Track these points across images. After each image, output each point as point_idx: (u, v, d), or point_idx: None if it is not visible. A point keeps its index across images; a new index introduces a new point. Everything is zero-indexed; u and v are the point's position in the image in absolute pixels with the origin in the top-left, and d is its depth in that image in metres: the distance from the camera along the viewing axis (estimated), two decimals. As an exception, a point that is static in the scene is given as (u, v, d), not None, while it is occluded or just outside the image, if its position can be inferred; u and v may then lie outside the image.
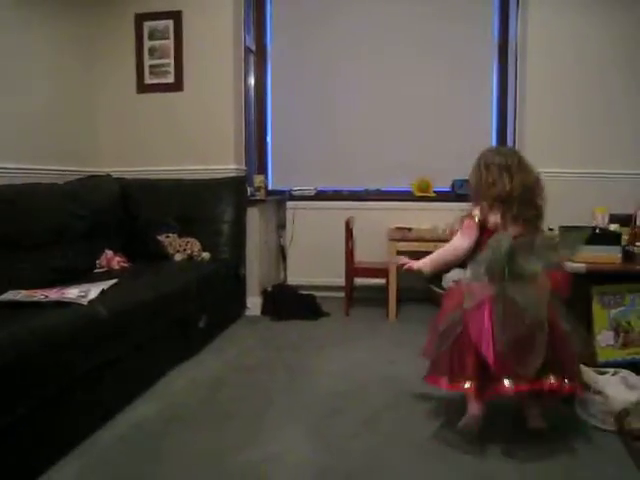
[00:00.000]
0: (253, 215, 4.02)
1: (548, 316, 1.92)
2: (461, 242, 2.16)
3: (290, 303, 4.03)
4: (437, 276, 4.23)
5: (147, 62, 4.10)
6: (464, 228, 2.16)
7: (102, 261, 3.24)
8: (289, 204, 4.55)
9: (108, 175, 3.90)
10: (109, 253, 3.27)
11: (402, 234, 4.05)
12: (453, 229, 2.69)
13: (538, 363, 1.87)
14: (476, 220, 2.13)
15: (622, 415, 2.09)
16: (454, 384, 2.01)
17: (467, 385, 1.97)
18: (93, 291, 2.31)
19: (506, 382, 1.90)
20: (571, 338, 1.98)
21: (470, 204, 2.20)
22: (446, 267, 2.34)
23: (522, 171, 2.08)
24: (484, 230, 2.12)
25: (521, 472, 1.88)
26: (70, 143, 3.84)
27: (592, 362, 2.35)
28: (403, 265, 2.33)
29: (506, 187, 2.05)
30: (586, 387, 2.24)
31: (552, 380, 1.92)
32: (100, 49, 4.12)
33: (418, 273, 2.29)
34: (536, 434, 2.03)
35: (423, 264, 2.25)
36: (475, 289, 2.02)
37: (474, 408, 2.05)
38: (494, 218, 2.08)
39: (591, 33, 3.82)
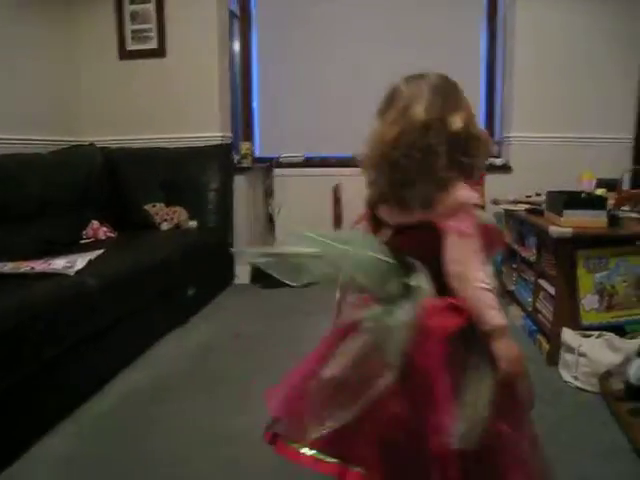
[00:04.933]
0: (240, 183, 4.00)
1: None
2: None
3: (279, 271, 4.02)
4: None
5: (128, 27, 3.99)
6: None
7: (88, 232, 3.21)
8: (276, 171, 4.50)
9: (92, 144, 3.83)
10: (95, 223, 3.25)
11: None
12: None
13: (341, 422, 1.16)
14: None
15: (605, 377, 2.14)
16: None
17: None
18: (80, 262, 2.30)
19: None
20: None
21: None
22: None
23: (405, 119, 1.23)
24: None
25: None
26: (51, 112, 3.77)
27: (577, 325, 2.39)
28: None
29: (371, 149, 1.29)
30: (570, 349, 2.29)
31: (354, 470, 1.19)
32: (79, 15, 3.99)
33: None
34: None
35: None
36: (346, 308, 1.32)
37: None
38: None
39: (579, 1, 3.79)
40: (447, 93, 1.25)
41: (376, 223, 1.34)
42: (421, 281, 1.18)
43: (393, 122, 1.23)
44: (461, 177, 1.23)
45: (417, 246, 1.23)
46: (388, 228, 1.29)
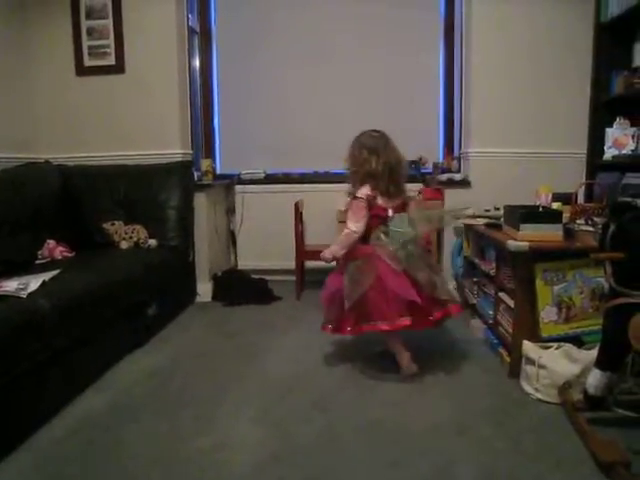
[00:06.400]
0: (201, 200, 3.96)
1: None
2: (356, 226, 2.55)
3: (241, 288, 3.99)
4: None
5: (85, 43, 3.93)
6: (354, 210, 2.56)
7: (44, 252, 3.12)
8: (238, 188, 4.48)
9: (47, 162, 3.75)
10: (51, 243, 3.16)
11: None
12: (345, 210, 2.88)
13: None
14: (363, 200, 2.53)
15: (565, 387, 2.17)
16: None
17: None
18: (33, 283, 2.23)
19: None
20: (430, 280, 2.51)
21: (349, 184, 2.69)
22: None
23: (387, 152, 2.57)
24: (371, 206, 2.54)
25: (473, 448, 1.92)
26: (5, 128, 3.67)
27: (537, 337, 2.42)
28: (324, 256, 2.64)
29: (373, 166, 2.54)
30: (530, 361, 2.31)
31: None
32: (35, 30, 3.92)
33: (333, 260, 2.63)
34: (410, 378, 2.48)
35: (336, 251, 2.59)
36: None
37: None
38: (366, 192, 2.54)
39: (534, 17, 3.89)
40: (388, 141, 2.63)
41: (371, 208, 2.54)
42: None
43: (375, 160, 2.56)
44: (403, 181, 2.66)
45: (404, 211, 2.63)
46: (382, 208, 2.56)
